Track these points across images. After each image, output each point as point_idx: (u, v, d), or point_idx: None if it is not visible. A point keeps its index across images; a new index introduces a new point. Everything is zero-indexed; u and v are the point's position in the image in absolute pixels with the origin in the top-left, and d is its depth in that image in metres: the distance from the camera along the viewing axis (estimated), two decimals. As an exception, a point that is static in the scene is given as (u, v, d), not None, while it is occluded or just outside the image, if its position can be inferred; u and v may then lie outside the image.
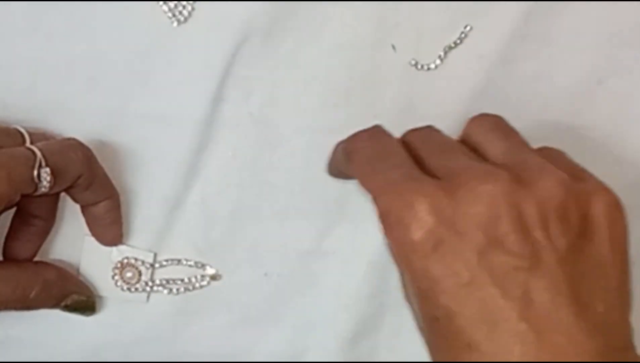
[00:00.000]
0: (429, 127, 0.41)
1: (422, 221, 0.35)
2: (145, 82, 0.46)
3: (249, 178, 0.47)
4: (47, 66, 0.46)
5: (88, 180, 0.43)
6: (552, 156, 0.39)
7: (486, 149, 0.39)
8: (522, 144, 0.39)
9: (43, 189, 0.41)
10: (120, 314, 0.47)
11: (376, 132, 0.40)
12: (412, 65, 0.47)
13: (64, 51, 0.46)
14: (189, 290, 0.47)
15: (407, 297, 0.39)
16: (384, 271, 0.47)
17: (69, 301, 0.45)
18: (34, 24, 0.45)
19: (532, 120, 0.47)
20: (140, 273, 0.47)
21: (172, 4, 0.46)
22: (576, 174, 0.37)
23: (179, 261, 0.47)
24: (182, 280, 0.47)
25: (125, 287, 0.47)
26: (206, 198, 0.47)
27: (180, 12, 0.46)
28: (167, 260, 0.47)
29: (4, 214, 0.44)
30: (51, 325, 0.47)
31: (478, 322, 0.34)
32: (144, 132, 0.46)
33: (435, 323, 0.35)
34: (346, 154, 0.40)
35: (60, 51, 0.45)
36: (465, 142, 0.40)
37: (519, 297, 0.34)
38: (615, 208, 0.37)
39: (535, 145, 0.47)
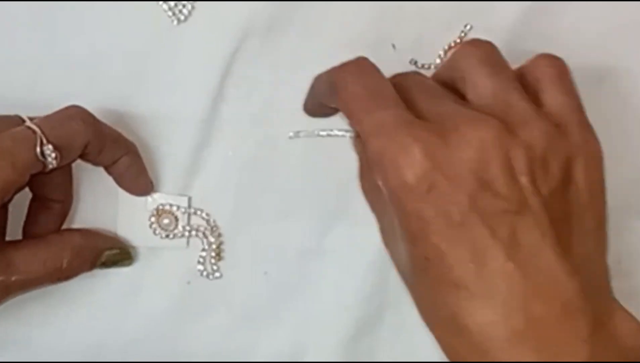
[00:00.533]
0: (417, 72, 0.41)
1: (416, 164, 0.36)
2: (145, 82, 0.46)
3: (249, 178, 0.47)
4: (47, 65, 0.46)
5: (97, 145, 0.43)
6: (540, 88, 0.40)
7: (475, 84, 0.39)
8: (509, 81, 0.40)
9: (51, 166, 0.41)
10: (120, 314, 0.47)
11: (365, 67, 0.40)
12: (412, 64, 0.47)
13: (64, 51, 0.46)
14: (220, 248, 0.47)
15: (388, 243, 0.41)
16: (384, 270, 0.47)
17: (103, 259, 0.45)
18: (34, 24, 0.45)
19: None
20: (177, 219, 0.47)
21: (172, 3, 0.46)
22: (557, 118, 0.39)
23: (212, 218, 0.47)
24: (214, 228, 0.47)
25: (164, 234, 0.47)
26: (206, 197, 0.47)
27: (180, 12, 0.46)
28: (200, 209, 0.47)
29: (21, 198, 0.44)
30: (51, 325, 0.47)
31: (467, 261, 0.36)
32: (143, 132, 0.46)
33: (425, 264, 0.37)
34: (332, 87, 0.40)
35: (61, 51, 0.46)
36: (452, 74, 0.41)
37: (506, 238, 0.36)
38: (594, 155, 0.39)
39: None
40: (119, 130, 0.45)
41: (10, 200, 0.43)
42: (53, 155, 0.41)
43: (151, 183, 0.46)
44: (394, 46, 0.47)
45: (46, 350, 0.47)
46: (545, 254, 0.36)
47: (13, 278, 0.42)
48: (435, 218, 0.36)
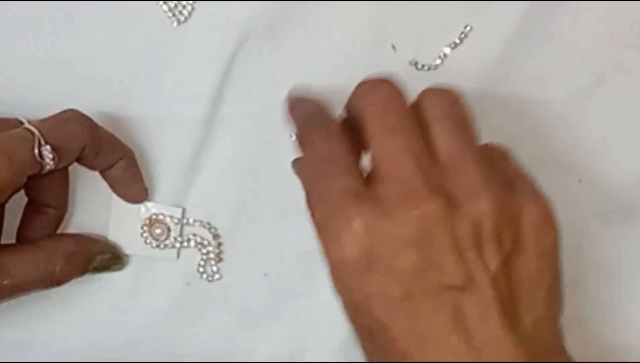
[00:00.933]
0: (392, 86, 0.40)
1: (357, 238, 0.35)
2: (145, 82, 0.46)
3: (249, 178, 0.47)
4: (47, 65, 0.46)
5: (94, 148, 0.43)
6: (492, 158, 0.39)
7: (434, 134, 0.38)
8: (467, 143, 0.38)
9: (48, 167, 0.41)
10: (121, 315, 0.47)
11: (326, 124, 0.40)
12: (412, 65, 0.47)
13: (64, 51, 0.46)
14: (220, 249, 0.47)
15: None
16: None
17: (95, 264, 0.45)
18: (34, 24, 0.45)
19: (531, 120, 0.47)
20: (169, 229, 0.47)
21: (172, 3, 0.46)
22: (511, 182, 0.38)
23: (209, 223, 0.47)
24: (215, 235, 0.47)
25: (155, 244, 0.47)
26: (206, 198, 0.47)
27: (180, 12, 0.46)
28: (195, 220, 0.47)
29: (16, 201, 0.44)
30: (51, 325, 0.47)
31: (411, 335, 0.36)
32: (144, 132, 0.46)
33: (369, 334, 0.37)
34: (299, 145, 0.40)
35: (61, 51, 0.46)
36: (417, 113, 0.39)
37: (450, 313, 0.35)
38: (544, 221, 0.37)
39: (535, 145, 0.47)
40: (119, 131, 0.45)
41: (6, 201, 0.43)
42: (50, 156, 0.41)
43: (146, 190, 0.46)
44: (393, 46, 0.47)
45: (47, 350, 0.47)
46: (491, 327, 0.35)
47: (5, 282, 0.42)
48: (377, 294, 0.36)
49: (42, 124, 0.41)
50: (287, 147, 0.47)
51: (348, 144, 0.39)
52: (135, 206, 0.46)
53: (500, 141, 0.46)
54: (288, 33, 0.46)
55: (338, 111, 0.45)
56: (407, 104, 0.39)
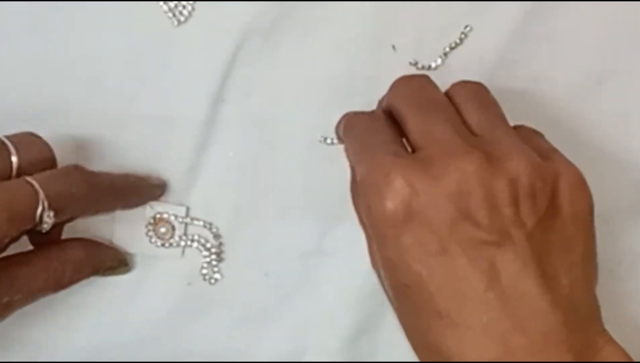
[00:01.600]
0: (424, 77, 0.43)
1: (396, 191, 0.37)
2: (145, 83, 0.46)
3: (249, 178, 0.47)
4: (48, 66, 0.46)
5: (95, 211, 0.43)
6: (525, 135, 0.41)
7: (467, 113, 0.41)
8: (497, 117, 0.41)
9: (44, 227, 0.40)
10: (122, 314, 0.47)
11: (372, 112, 0.43)
12: (412, 65, 0.47)
13: (64, 51, 0.46)
14: (221, 249, 0.47)
15: (376, 266, 0.41)
16: (384, 271, 0.47)
17: (102, 271, 0.45)
18: (34, 24, 0.45)
19: (532, 120, 0.47)
20: (173, 228, 0.47)
21: (172, 3, 0.46)
22: (545, 154, 0.39)
23: (210, 223, 0.47)
24: (215, 235, 0.47)
25: (159, 243, 0.47)
26: (206, 198, 0.47)
27: (181, 12, 0.46)
28: (192, 218, 0.47)
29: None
30: (51, 325, 0.47)
31: (448, 290, 0.36)
32: (144, 133, 0.46)
33: (406, 290, 0.37)
34: (343, 130, 0.43)
35: (61, 51, 0.46)
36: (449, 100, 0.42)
37: (486, 269, 0.36)
38: (579, 186, 0.39)
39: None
40: (119, 131, 0.45)
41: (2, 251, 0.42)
42: (50, 222, 0.39)
43: (160, 187, 0.46)
44: (394, 47, 0.47)
45: (48, 350, 0.47)
46: (527, 285, 0.36)
47: (16, 298, 0.42)
48: (414, 245, 0.36)
49: (47, 183, 0.39)
50: (287, 147, 0.47)
51: (391, 125, 0.41)
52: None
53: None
54: (288, 33, 0.46)
55: (340, 114, 0.46)
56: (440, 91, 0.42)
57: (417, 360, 0.47)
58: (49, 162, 0.42)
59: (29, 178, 0.40)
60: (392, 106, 0.42)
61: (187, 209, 0.47)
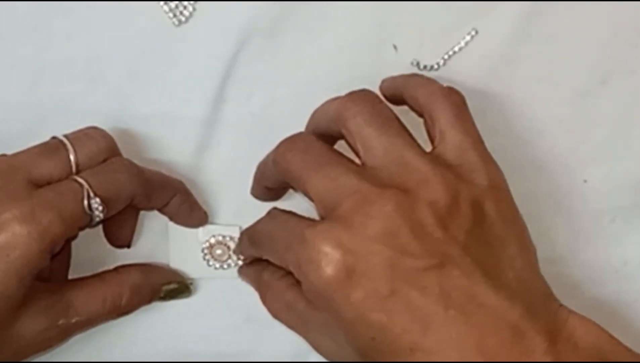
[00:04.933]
0: (303, 134, 0.43)
1: (329, 257, 0.37)
2: (146, 83, 0.46)
3: (250, 178, 0.47)
4: (48, 66, 0.46)
5: (144, 195, 0.43)
6: (439, 148, 0.41)
7: (366, 146, 0.40)
8: (400, 135, 0.41)
9: (97, 219, 0.41)
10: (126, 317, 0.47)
11: (269, 216, 0.44)
12: (414, 65, 0.47)
13: (65, 51, 0.46)
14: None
15: (330, 353, 0.42)
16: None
17: (162, 294, 0.46)
18: (34, 24, 0.45)
19: (535, 120, 0.47)
20: (229, 248, 0.47)
21: (173, 4, 0.46)
22: (455, 159, 0.40)
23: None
24: None
25: (217, 265, 0.47)
26: (207, 198, 0.47)
27: (181, 13, 0.46)
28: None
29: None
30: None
31: (411, 325, 0.37)
32: (144, 133, 0.46)
33: (372, 343, 0.37)
34: (255, 242, 0.44)
35: (61, 51, 0.46)
36: (338, 129, 0.42)
37: (438, 292, 0.37)
38: (499, 187, 0.40)
39: (540, 145, 0.47)
40: (120, 131, 0.45)
41: (59, 252, 0.42)
42: (100, 208, 0.41)
43: (205, 214, 0.47)
44: (395, 47, 0.47)
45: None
46: (479, 292, 0.37)
47: (73, 320, 0.42)
48: (366, 298, 0.37)
49: (91, 175, 0.41)
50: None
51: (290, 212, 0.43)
52: (193, 230, 0.47)
53: (504, 141, 0.46)
54: (289, 33, 0.46)
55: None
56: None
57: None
58: (109, 152, 0.43)
59: (75, 176, 0.41)
60: (286, 173, 0.42)
61: (240, 228, 0.47)
